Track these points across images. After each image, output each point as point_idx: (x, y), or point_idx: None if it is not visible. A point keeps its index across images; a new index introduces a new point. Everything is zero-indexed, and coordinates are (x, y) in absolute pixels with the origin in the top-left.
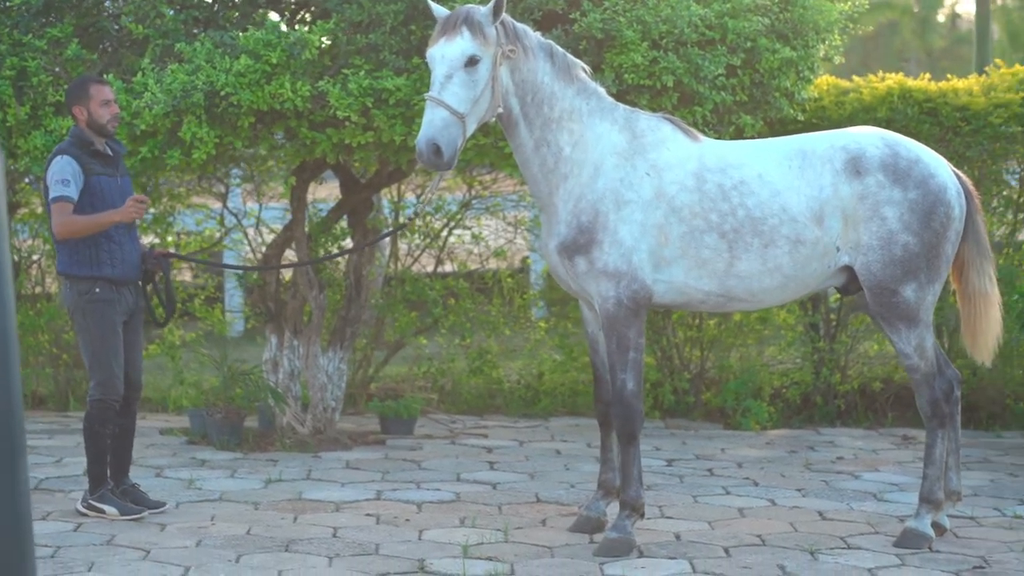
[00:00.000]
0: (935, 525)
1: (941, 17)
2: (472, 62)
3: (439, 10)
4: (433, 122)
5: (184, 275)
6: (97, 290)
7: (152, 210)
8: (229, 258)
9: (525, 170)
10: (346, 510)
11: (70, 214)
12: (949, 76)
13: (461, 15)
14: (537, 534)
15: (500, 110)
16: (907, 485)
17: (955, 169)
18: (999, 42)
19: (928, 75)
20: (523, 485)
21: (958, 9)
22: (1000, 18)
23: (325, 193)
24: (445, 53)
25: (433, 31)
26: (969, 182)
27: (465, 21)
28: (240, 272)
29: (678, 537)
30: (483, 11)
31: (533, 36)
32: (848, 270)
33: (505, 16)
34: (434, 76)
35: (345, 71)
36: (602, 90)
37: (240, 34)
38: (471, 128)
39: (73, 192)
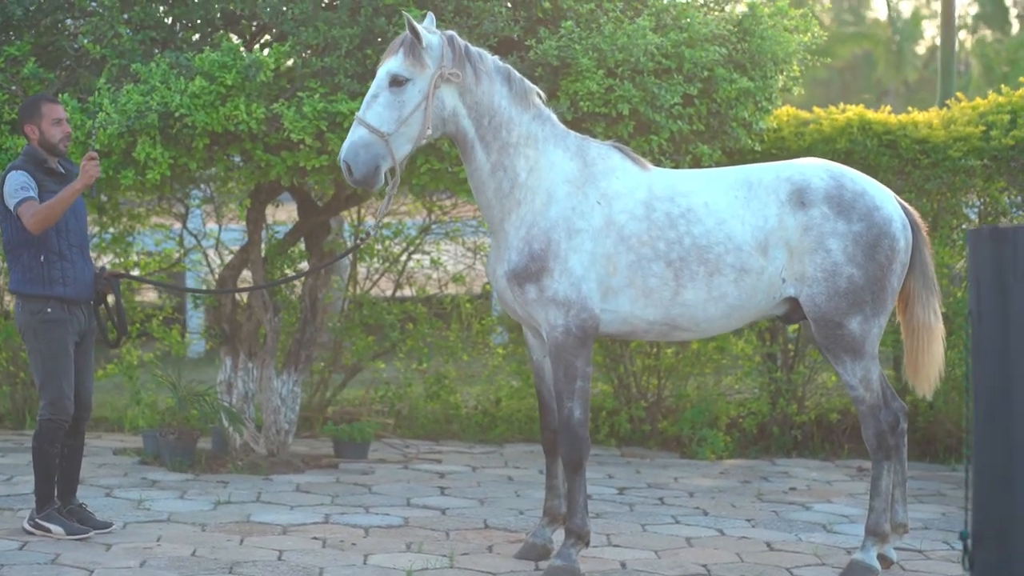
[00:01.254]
0: (882, 557)
1: (921, 49)
2: (397, 82)
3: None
4: (351, 140)
5: (148, 295)
6: (49, 310)
7: (111, 229)
8: (189, 279)
9: (479, 194)
10: (293, 533)
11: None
12: (910, 109)
13: (402, 37)
14: (483, 560)
15: (430, 132)
16: (858, 517)
17: (902, 201)
18: (975, 76)
19: (889, 108)
20: (473, 511)
21: (939, 41)
22: (976, 51)
23: (284, 216)
24: (378, 72)
25: None
26: (916, 214)
27: (402, 42)
28: (198, 295)
29: (624, 565)
30: (417, 29)
31: (490, 59)
32: (792, 300)
33: (458, 39)
34: (366, 95)
35: (300, 94)
36: (555, 117)
37: (195, 55)
38: (402, 148)
39: (34, 195)
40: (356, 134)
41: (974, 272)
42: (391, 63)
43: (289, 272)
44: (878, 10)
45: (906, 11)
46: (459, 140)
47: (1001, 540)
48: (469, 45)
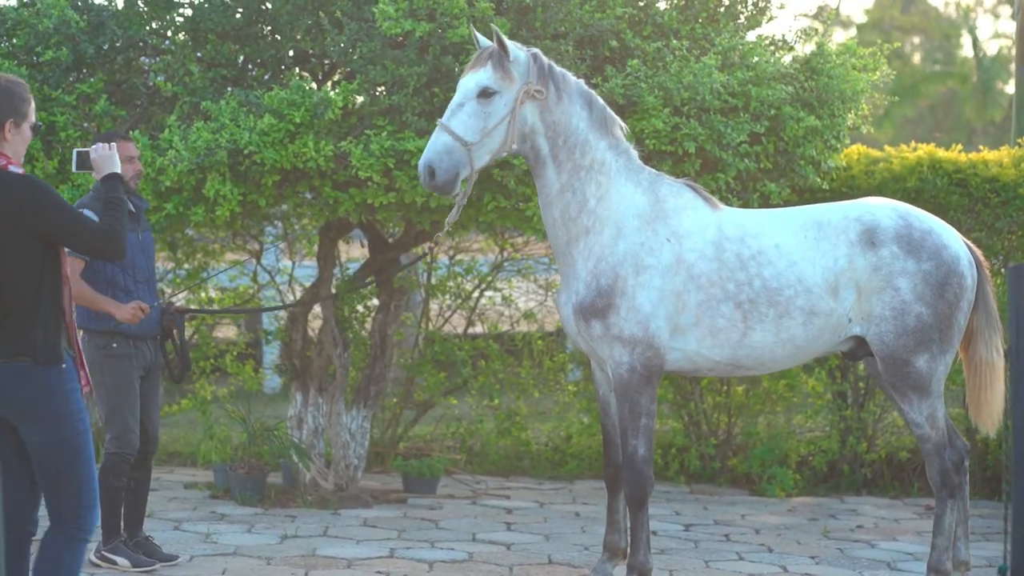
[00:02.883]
0: None
1: (1010, 88)
2: (486, 94)
3: (483, 42)
4: (434, 146)
5: (224, 331)
6: (114, 345)
7: (186, 266)
8: (264, 316)
9: (546, 213)
10: (358, 567)
11: (79, 274)
12: (981, 147)
13: (489, 49)
14: None
15: (514, 146)
16: (923, 555)
17: (965, 240)
18: None
19: (960, 146)
20: (537, 546)
21: None
22: None
23: (358, 253)
24: (464, 83)
25: None
26: (979, 252)
27: (491, 55)
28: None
29: None
30: (506, 42)
31: (573, 81)
32: (856, 338)
33: (543, 57)
34: (451, 103)
35: (368, 132)
36: (634, 152)
37: (265, 93)
38: (481, 159)
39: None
40: (439, 140)
41: (1015, 308)
42: (480, 75)
43: (360, 309)
44: (967, 48)
45: (992, 50)
46: (532, 158)
47: None
48: (554, 64)
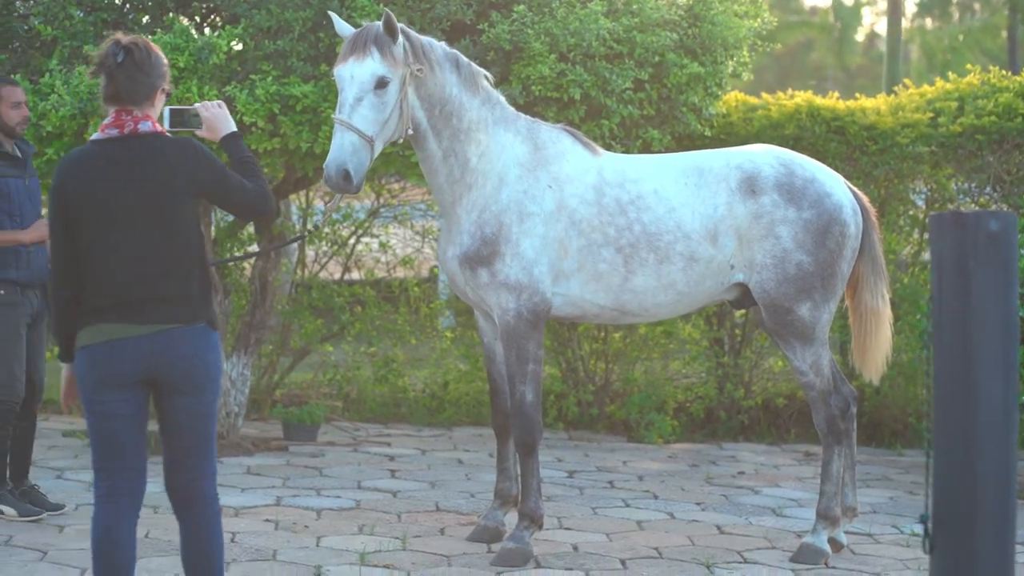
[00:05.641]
0: (832, 541)
1: (860, 36)
2: (382, 84)
3: (343, 27)
4: (343, 147)
5: None
6: (1, 292)
7: None
8: None
9: (431, 179)
10: (245, 515)
11: None
12: (858, 95)
13: (371, 34)
14: (435, 543)
15: (410, 131)
16: (806, 501)
17: (852, 186)
18: (916, 63)
19: (836, 94)
20: (423, 494)
21: (877, 28)
22: (917, 38)
23: None
24: (355, 74)
25: (342, 47)
26: (866, 199)
27: (375, 41)
28: None
29: (575, 548)
30: (396, 27)
31: (439, 48)
32: (741, 286)
33: (411, 32)
34: (343, 98)
35: (252, 77)
36: (503, 99)
37: (149, 37)
38: (378, 149)
39: None
40: (346, 139)
41: (936, 257)
42: (373, 64)
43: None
44: None
45: None
46: (412, 131)
47: (961, 523)
48: (420, 36)
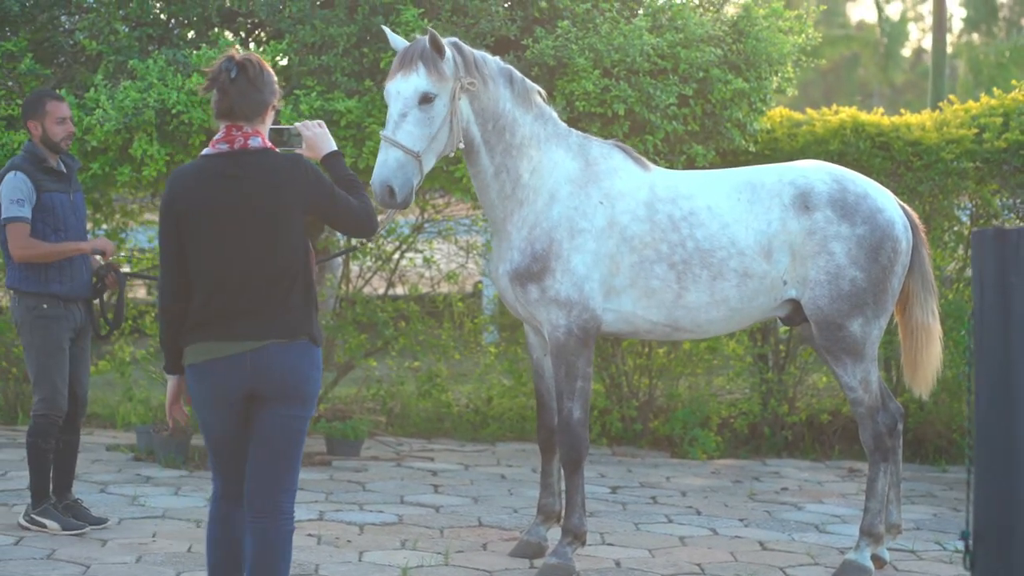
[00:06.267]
0: (875, 558)
1: (907, 51)
2: (427, 99)
3: (397, 41)
4: (387, 163)
5: (139, 292)
6: (45, 306)
7: (104, 226)
8: None
9: (483, 195)
10: None
11: (27, 236)
12: (903, 111)
13: (417, 49)
14: (478, 558)
15: (461, 145)
16: (850, 517)
17: (901, 203)
18: (963, 78)
19: (881, 109)
20: (466, 509)
21: (924, 44)
22: (964, 54)
23: None
24: (400, 90)
25: (392, 62)
26: (915, 216)
27: (421, 56)
28: None
29: (618, 564)
30: (442, 44)
31: (492, 63)
32: (793, 302)
33: (463, 46)
34: (389, 113)
35: (297, 92)
36: (556, 115)
37: (193, 52)
38: (428, 164)
39: (27, 212)
40: (391, 156)
41: (977, 273)
42: (417, 80)
43: None
44: (864, 11)
45: (894, 14)
46: (465, 145)
47: (1002, 539)
48: (473, 50)
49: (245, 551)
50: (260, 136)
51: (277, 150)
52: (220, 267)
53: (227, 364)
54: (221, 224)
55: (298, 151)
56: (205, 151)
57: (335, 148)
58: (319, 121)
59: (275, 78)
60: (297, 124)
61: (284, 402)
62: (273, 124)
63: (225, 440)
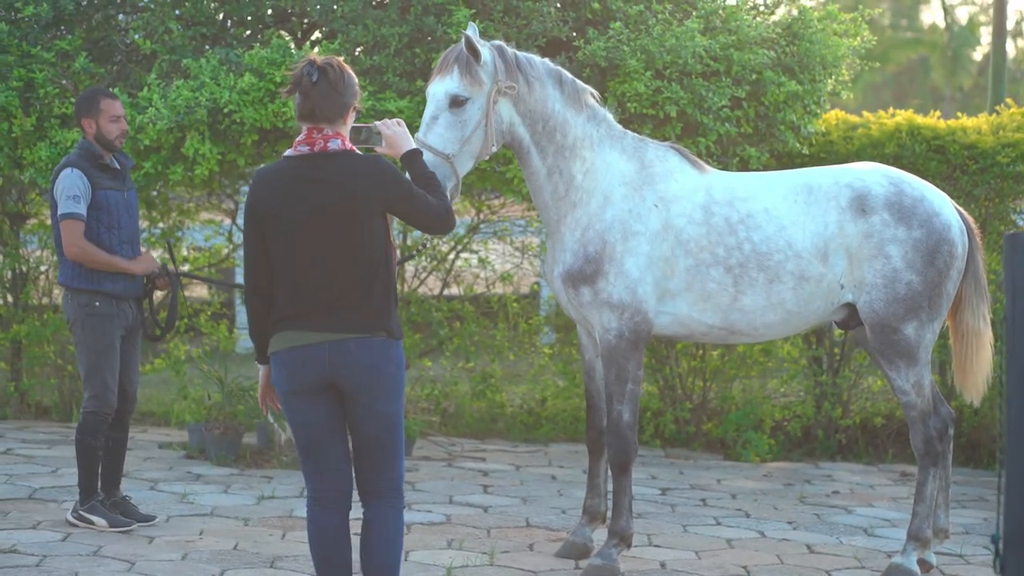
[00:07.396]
0: (922, 562)
1: (978, 55)
2: (457, 102)
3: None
4: None
5: (197, 291)
6: (97, 304)
7: (161, 224)
8: (238, 274)
9: (537, 197)
10: None
11: (82, 235)
12: (959, 114)
13: (454, 53)
14: (523, 558)
15: (494, 148)
16: (899, 521)
17: (957, 206)
18: None
19: (938, 113)
20: (515, 509)
21: None
22: None
23: None
24: (433, 92)
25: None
26: (971, 220)
27: (456, 59)
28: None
29: (663, 566)
30: (477, 47)
31: (539, 64)
32: (850, 306)
33: (506, 48)
34: (424, 116)
35: None
36: (610, 116)
37: (245, 52)
38: (465, 166)
39: (83, 209)
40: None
41: (1009, 276)
42: (448, 83)
43: None
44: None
45: (962, 17)
46: (515, 147)
47: None
48: (517, 52)
49: (343, 548)
50: (340, 138)
51: (356, 149)
52: (301, 267)
53: (306, 353)
54: (301, 225)
55: (377, 149)
56: (287, 152)
57: (414, 146)
58: (398, 120)
59: (356, 80)
60: (377, 123)
61: (367, 397)
62: (354, 123)
63: (309, 430)
